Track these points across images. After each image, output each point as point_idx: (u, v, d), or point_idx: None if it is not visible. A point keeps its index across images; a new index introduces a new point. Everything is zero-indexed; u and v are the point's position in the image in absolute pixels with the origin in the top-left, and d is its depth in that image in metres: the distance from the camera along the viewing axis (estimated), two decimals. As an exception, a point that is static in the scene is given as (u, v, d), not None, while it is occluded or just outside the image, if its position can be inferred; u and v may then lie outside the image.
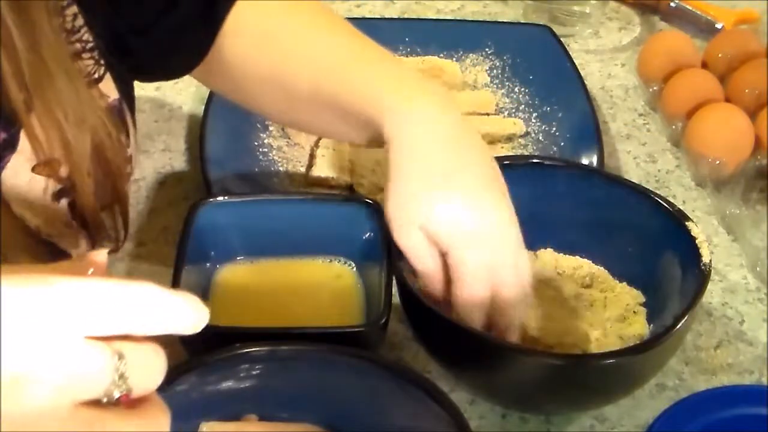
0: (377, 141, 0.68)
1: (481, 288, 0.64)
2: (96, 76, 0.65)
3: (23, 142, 0.59)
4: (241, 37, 0.72)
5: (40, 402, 0.38)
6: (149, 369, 0.41)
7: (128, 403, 0.40)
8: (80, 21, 0.64)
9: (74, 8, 0.63)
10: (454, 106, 0.68)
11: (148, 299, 0.40)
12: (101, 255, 0.45)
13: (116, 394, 0.40)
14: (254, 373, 0.61)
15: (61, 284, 0.39)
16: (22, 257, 0.58)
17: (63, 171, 0.61)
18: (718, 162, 0.87)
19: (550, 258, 0.75)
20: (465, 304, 0.64)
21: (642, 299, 0.71)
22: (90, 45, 0.64)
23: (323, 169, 0.86)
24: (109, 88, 0.67)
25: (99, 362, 0.39)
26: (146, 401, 0.42)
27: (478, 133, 0.68)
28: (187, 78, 0.78)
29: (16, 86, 0.56)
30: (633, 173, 0.91)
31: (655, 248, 0.71)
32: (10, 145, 0.59)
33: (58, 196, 0.63)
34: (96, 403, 0.40)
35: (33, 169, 0.60)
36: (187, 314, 0.42)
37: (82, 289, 0.39)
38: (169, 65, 0.75)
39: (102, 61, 0.66)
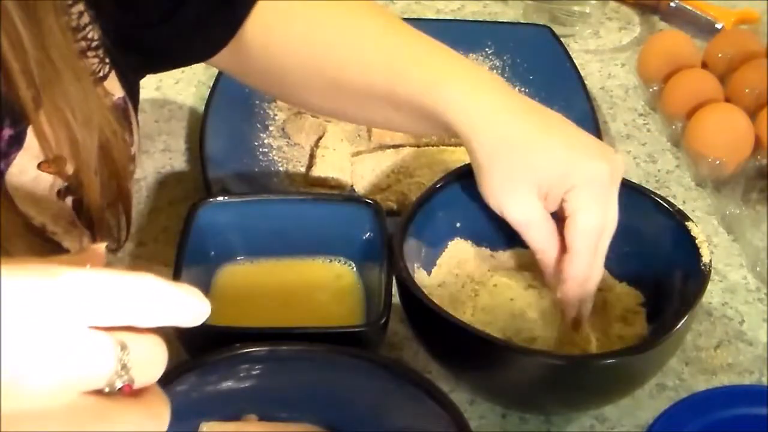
0: (437, 130, 0.69)
1: (595, 221, 0.65)
2: (101, 74, 0.65)
3: (30, 139, 0.59)
4: (279, 31, 0.72)
5: (44, 390, 0.38)
6: (151, 360, 0.41)
7: (130, 393, 0.40)
8: (86, 19, 0.64)
9: (80, 6, 0.63)
10: (501, 81, 0.69)
11: (150, 290, 0.41)
12: (100, 248, 0.45)
13: (118, 384, 0.40)
14: (254, 373, 0.61)
15: (65, 274, 0.39)
16: (25, 255, 0.58)
17: (69, 169, 0.61)
18: (718, 162, 0.87)
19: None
20: (578, 239, 0.65)
21: (642, 299, 0.71)
22: (95, 43, 0.65)
23: (323, 169, 0.86)
24: (113, 86, 0.67)
25: (102, 352, 0.39)
26: (147, 392, 0.42)
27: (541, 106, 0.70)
28: (187, 78, 0.78)
29: (25, 84, 0.56)
30: (633, 173, 0.91)
31: (655, 248, 0.71)
32: (17, 142, 0.59)
33: (63, 194, 0.63)
34: (99, 393, 0.40)
35: (39, 167, 0.61)
36: (188, 306, 0.42)
37: (86, 279, 0.39)
38: (186, 54, 0.75)
39: (107, 59, 0.66)
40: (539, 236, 0.67)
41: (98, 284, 0.39)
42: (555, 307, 0.71)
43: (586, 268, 0.66)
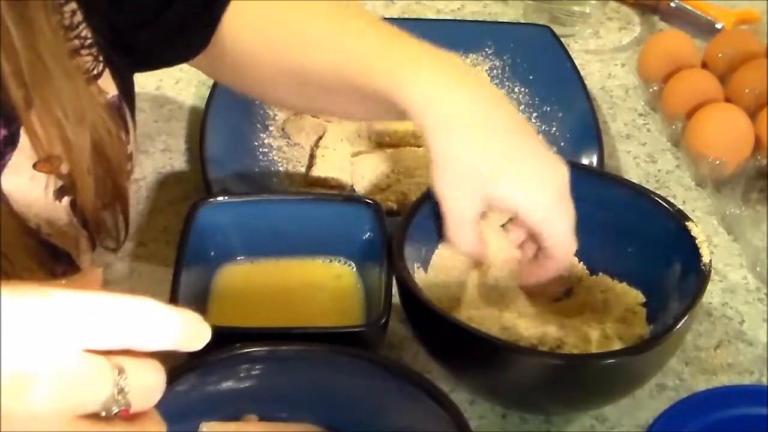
0: (402, 118, 0.69)
1: (567, 225, 0.67)
2: (95, 72, 0.65)
3: (24, 139, 0.59)
4: (248, 26, 0.72)
5: (38, 412, 0.38)
6: (149, 385, 0.41)
7: (126, 418, 0.40)
8: (79, 17, 0.64)
9: (73, 4, 0.63)
10: (472, 75, 0.69)
11: (148, 315, 0.40)
12: (96, 274, 0.45)
13: (115, 409, 0.40)
14: (254, 373, 0.61)
15: (59, 295, 0.39)
16: (22, 257, 0.58)
17: (64, 168, 0.61)
18: (718, 162, 0.87)
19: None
20: (562, 262, 0.68)
21: (642, 299, 0.71)
22: (88, 41, 0.64)
23: (323, 169, 0.86)
24: (107, 84, 0.67)
25: (98, 375, 0.39)
26: (144, 416, 0.41)
27: (505, 98, 0.70)
28: (187, 78, 0.78)
29: (16, 84, 0.56)
30: (633, 173, 0.91)
31: (654, 248, 0.71)
32: (11, 142, 0.59)
33: (59, 194, 0.63)
34: (95, 417, 0.39)
35: (34, 166, 0.60)
36: (187, 331, 0.41)
37: (80, 301, 0.39)
38: (168, 56, 0.75)
39: (101, 58, 0.66)
40: (464, 237, 0.67)
41: (92, 306, 0.39)
42: (555, 306, 0.71)
43: (567, 256, 0.69)
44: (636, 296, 0.71)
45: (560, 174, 0.67)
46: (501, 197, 0.66)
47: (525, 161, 0.66)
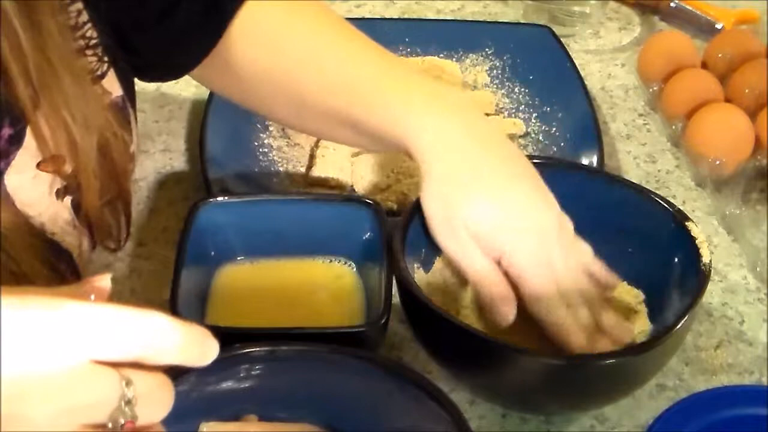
0: (390, 149, 0.70)
1: (545, 279, 0.65)
2: (99, 72, 0.65)
3: (29, 138, 0.59)
4: (251, 41, 0.72)
5: (44, 420, 0.38)
6: (157, 399, 0.41)
7: (132, 430, 0.40)
8: (84, 17, 0.64)
9: (78, 4, 0.63)
10: (468, 106, 0.69)
11: (157, 329, 0.41)
12: (104, 281, 0.45)
13: (121, 421, 0.40)
14: (254, 373, 0.61)
15: (68, 307, 0.39)
16: (27, 256, 0.58)
17: (67, 168, 0.61)
18: (718, 162, 0.87)
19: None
20: (538, 300, 0.65)
21: (642, 299, 0.71)
22: (93, 41, 0.65)
23: (323, 169, 0.86)
24: (112, 84, 0.67)
25: (106, 386, 0.39)
26: (150, 430, 0.42)
27: (495, 128, 0.70)
28: (187, 78, 0.78)
29: (23, 84, 0.56)
30: (633, 173, 0.91)
31: (655, 248, 0.71)
32: (17, 141, 0.59)
33: (62, 193, 0.63)
34: (102, 427, 0.40)
35: (38, 166, 0.60)
36: (194, 346, 0.42)
37: (89, 313, 0.39)
38: (169, 65, 0.75)
39: (105, 58, 0.66)
40: (473, 267, 0.66)
41: (102, 318, 0.39)
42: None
43: (540, 289, 0.66)
44: (636, 296, 0.71)
45: (548, 218, 0.66)
46: (485, 237, 0.65)
47: (513, 200, 0.66)
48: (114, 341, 0.39)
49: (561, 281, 0.66)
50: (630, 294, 0.72)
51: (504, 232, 0.65)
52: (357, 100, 0.69)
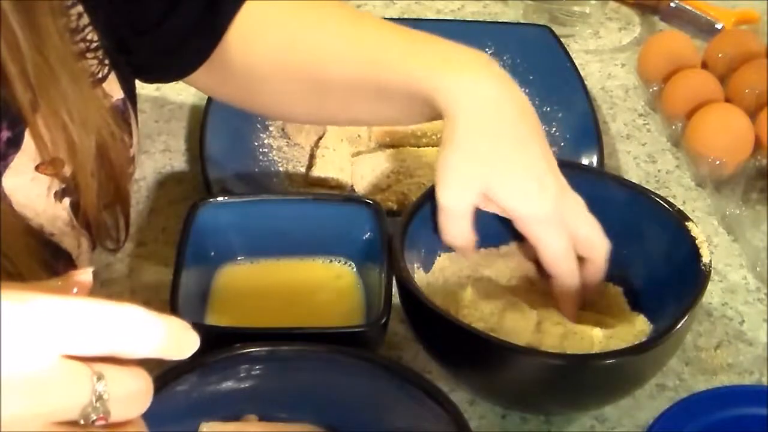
0: (424, 117, 0.69)
1: (571, 260, 0.68)
2: (100, 75, 0.65)
3: (28, 141, 0.59)
4: (256, 41, 0.72)
5: (13, 417, 0.37)
6: (132, 394, 0.40)
7: (106, 426, 0.39)
8: (85, 20, 0.64)
9: (79, 7, 0.63)
10: (498, 70, 0.69)
11: (131, 321, 0.39)
12: (86, 275, 0.44)
13: (93, 416, 0.39)
14: (254, 373, 0.61)
15: (35, 301, 0.38)
16: (24, 257, 0.58)
17: (66, 170, 0.61)
18: (718, 162, 0.87)
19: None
20: (566, 279, 0.68)
21: (642, 299, 0.71)
22: (94, 44, 0.65)
23: (323, 169, 0.86)
24: (112, 87, 0.67)
25: (76, 382, 0.38)
26: (129, 425, 0.41)
27: (526, 98, 0.70)
28: (187, 77, 0.78)
29: (22, 87, 0.56)
30: (633, 173, 0.91)
31: (655, 248, 0.71)
32: (15, 144, 0.59)
33: (61, 195, 0.63)
34: (73, 424, 0.39)
35: (36, 168, 0.60)
36: (172, 339, 0.40)
37: (58, 306, 0.38)
38: (169, 68, 0.75)
39: (106, 61, 0.66)
40: (454, 229, 0.68)
41: (71, 312, 0.38)
42: (554, 306, 0.71)
43: (569, 273, 0.68)
44: (636, 296, 0.71)
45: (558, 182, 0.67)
46: (498, 197, 0.66)
47: (532, 169, 0.66)
48: (84, 335, 0.38)
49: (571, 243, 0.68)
50: (630, 294, 0.72)
51: (523, 195, 0.66)
52: (382, 62, 0.69)
